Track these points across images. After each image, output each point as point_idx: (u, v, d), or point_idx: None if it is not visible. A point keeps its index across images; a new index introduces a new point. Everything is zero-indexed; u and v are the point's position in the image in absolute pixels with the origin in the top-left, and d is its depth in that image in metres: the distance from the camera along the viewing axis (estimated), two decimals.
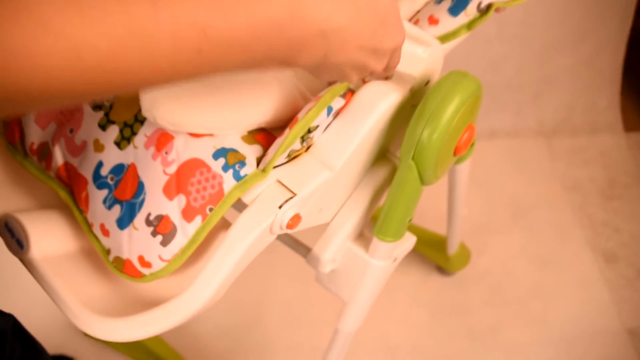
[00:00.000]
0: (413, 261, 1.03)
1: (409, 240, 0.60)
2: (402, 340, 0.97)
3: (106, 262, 0.52)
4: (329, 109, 0.50)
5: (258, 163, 0.50)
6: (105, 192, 0.52)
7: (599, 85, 1.29)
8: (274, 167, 0.50)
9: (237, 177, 0.49)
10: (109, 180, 0.51)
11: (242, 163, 0.49)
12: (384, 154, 0.57)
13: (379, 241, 0.56)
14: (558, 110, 1.29)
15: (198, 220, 0.49)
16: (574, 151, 1.26)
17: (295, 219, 0.49)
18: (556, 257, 1.09)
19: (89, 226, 0.52)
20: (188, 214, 0.49)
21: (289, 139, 0.48)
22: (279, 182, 0.50)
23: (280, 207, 0.48)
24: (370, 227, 0.58)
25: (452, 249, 0.96)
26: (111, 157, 0.52)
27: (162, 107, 0.47)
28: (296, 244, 0.62)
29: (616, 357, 0.97)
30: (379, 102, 0.51)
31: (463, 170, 0.73)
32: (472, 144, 0.57)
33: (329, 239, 0.57)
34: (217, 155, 0.49)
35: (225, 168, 0.49)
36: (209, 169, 0.49)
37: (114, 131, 0.52)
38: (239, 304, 0.97)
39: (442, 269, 1.03)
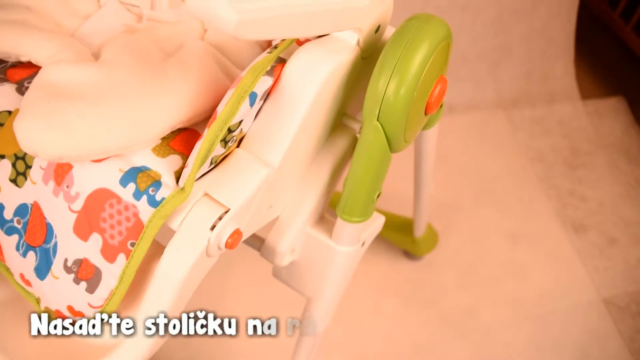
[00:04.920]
0: (378, 248, 0.99)
1: (378, 220, 0.52)
2: (374, 333, 0.93)
3: (38, 311, 0.46)
4: (252, 97, 0.41)
5: (178, 178, 0.41)
6: (15, 237, 0.45)
7: (554, 53, 1.31)
8: (200, 178, 0.42)
9: (154, 203, 0.40)
10: (15, 224, 0.45)
11: (157, 184, 0.41)
12: (341, 119, 0.49)
13: (345, 223, 0.48)
14: (515, 81, 1.30)
15: (122, 259, 0.42)
16: (534, 122, 1.26)
17: (236, 236, 0.42)
18: (526, 231, 1.07)
19: (11, 274, 0.47)
20: (108, 254, 0.42)
21: (206, 146, 0.40)
22: (208, 195, 0.42)
23: (212, 227, 0.40)
24: (332, 209, 0.50)
25: (419, 231, 0.91)
26: (11, 197, 0.45)
27: (41, 141, 0.39)
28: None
29: (594, 328, 0.96)
30: (317, 71, 0.42)
31: (431, 138, 0.65)
32: (442, 105, 0.50)
33: (285, 226, 0.49)
34: (125, 180, 0.41)
35: (137, 195, 0.41)
36: (119, 199, 0.41)
37: (5, 167, 0.45)
38: (194, 310, 0.90)
39: (410, 254, 1.00)
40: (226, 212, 0.41)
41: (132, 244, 0.41)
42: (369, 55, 0.45)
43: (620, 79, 1.36)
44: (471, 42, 1.23)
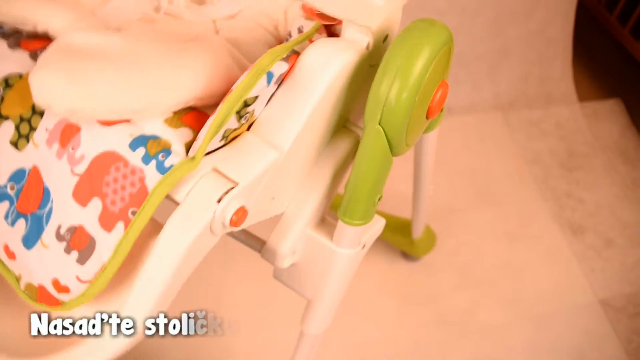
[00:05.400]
0: (376, 249, 0.99)
1: (378, 223, 0.52)
2: (372, 334, 0.93)
3: (18, 291, 0.43)
4: (269, 76, 0.42)
5: (188, 150, 0.41)
6: (5, 204, 0.43)
7: (552, 55, 1.31)
8: (209, 153, 0.42)
9: (162, 169, 0.40)
10: (8, 190, 0.43)
11: (167, 151, 0.40)
12: (344, 125, 0.49)
13: (345, 226, 0.49)
14: (513, 83, 1.30)
15: (120, 228, 0.40)
16: (531, 123, 1.27)
17: (241, 213, 0.41)
18: (523, 233, 1.08)
19: None
20: (106, 221, 0.40)
21: (221, 115, 0.40)
22: (216, 170, 0.41)
23: (218, 200, 0.40)
24: (332, 212, 0.50)
25: (418, 232, 0.91)
26: (8, 161, 0.43)
27: (57, 91, 0.38)
28: (247, 236, 0.54)
29: (591, 329, 0.96)
30: (329, 64, 0.43)
31: (431, 141, 0.66)
32: (442, 109, 0.50)
33: (286, 228, 0.49)
34: (135, 144, 0.40)
35: (146, 159, 0.40)
36: (126, 162, 0.40)
37: (8, 128, 0.44)
38: (194, 310, 0.89)
39: (408, 255, 1.00)
40: (233, 187, 0.41)
41: (133, 212, 0.40)
42: (375, 64, 0.45)
43: (617, 81, 1.37)
44: (469, 44, 1.23)
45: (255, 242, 0.52)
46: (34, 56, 0.45)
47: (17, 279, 0.44)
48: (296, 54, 0.44)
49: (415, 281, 0.98)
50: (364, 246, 0.53)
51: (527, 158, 1.20)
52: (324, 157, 0.49)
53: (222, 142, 0.43)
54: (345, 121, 0.49)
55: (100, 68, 0.39)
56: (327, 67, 0.42)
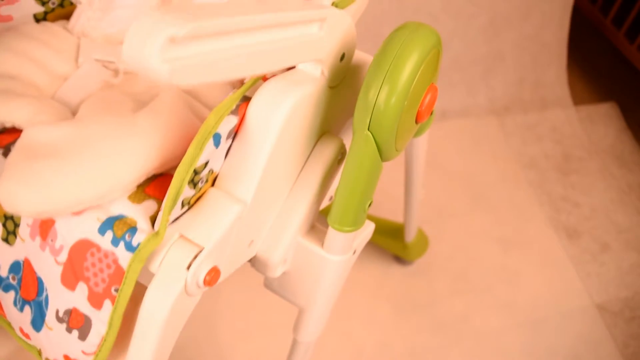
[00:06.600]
0: (369, 253, 0.99)
1: (368, 228, 0.52)
2: (367, 340, 0.92)
3: None
4: (216, 138, 0.42)
5: (154, 222, 0.43)
6: (12, 294, 0.47)
7: (546, 59, 1.32)
8: (175, 220, 0.44)
9: (131, 248, 0.42)
10: (11, 281, 0.47)
11: (133, 230, 0.42)
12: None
13: (336, 232, 0.48)
14: (508, 87, 1.31)
15: (108, 305, 0.43)
16: (526, 128, 1.26)
17: (213, 273, 0.43)
18: (518, 237, 1.08)
19: (13, 329, 0.49)
20: (95, 301, 0.44)
21: (174, 190, 0.41)
22: (183, 237, 0.43)
23: (188, 267, 0.41)
24: (322, 219, 0.49)
25: (410, 236, 0.91)
26: (4, 255, 0.47)
27: (20, 200, 0.41)
28: None
29: (588, 333, 0.96)
30: (279, 106, 0.42)
31: (421, 145, 0.65)
32: (432, 112, 0.50)
33: (277, 237, 0.49)
34: (103, 229, 0.43)
35: (114, 242, 0.42)
36: (98, 248, 0.43)
37: None
38: (188, 319, 0.89)
39: (402, 259, 0.99)
40: (199, 252, 0.42)
41: (116, 290, 0.43)
42: (337, 84, 0.45)
43: (612, 84, 1.37)
44: (464, 48, 1.23)
45: None
46: (6, 152, 0.47)
47: (39, 353, 0.48)
48: (247, 101, 0.44)
49: (410, 286, 0.98)
50: (354, 251, 0.52)
51: (522, 162, 1.19)
52: (310, 164, 0.48)
53: (185, 209, 0.44)
54: (324, 134, 0.49)
55: (55, 167, 0.42)
56: (278, 108, 0.42)
